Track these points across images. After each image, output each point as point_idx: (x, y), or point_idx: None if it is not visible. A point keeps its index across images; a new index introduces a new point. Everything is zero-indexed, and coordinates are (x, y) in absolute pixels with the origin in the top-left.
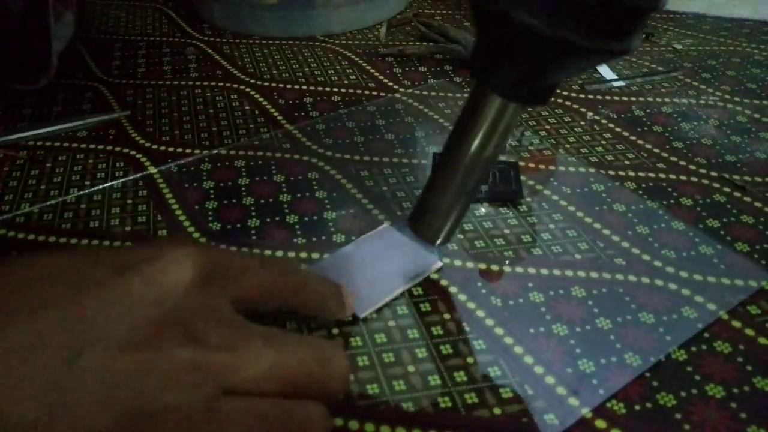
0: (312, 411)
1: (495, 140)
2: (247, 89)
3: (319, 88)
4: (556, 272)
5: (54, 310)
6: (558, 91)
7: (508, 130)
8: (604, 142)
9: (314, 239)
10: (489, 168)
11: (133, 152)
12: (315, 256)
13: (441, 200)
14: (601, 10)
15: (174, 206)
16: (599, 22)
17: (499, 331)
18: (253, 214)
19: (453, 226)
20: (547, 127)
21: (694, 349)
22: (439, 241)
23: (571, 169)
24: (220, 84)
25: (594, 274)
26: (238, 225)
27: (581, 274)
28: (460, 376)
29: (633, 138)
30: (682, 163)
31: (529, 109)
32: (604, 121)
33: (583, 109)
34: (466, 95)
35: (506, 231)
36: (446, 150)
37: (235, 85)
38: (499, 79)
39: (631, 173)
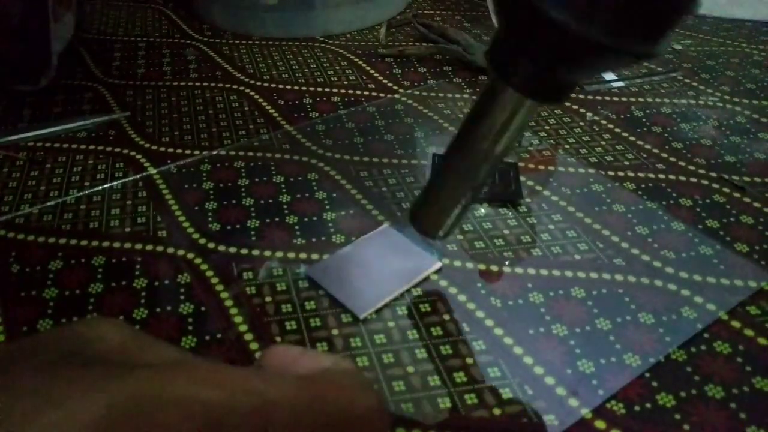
0: None
1: (507, 137)
2: (247, 90)
3: (319, 89)
4: (556, 273)
5: None
6: None
7: (522, 128)
8: (603, 143)
9: (314, 240)
10: (497, 165)
11: (132, 153)
12: (315, 257)
13: (446, 193)
14: (634, 11)
15: (174, 207)
16: (630, 23)
17: (498, 331)
18: (253, 214)
19: (455, 221)
20: (547, 127)
21: (693, 349)
22: (440, 235)
23: (571, 169)
24: (220, 85)
25: (593, 275)
26: (238, 226)
27: (581, 274)
28: (460, 376)
29: (632, 138)
30: (682, 163)
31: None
32: (603, 122)
33: (582, 110)
34: (466, 96)
35: (506, 231)
36: (455, 143)
37: (235, 86)
38: (517, 73)
39: (631, 174)
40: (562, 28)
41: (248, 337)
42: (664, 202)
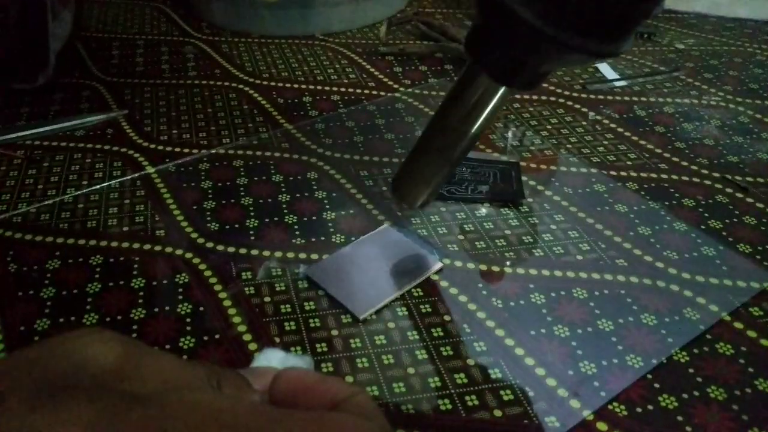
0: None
1: (481, 118)
2: (246, 88)
3: (319, 87)
4: (558, 273)
5: None
6: (559, 90)
7: (495, 111)
8: (605, 143)
9: (313, 240)
10: (473, 144)
11: (130, 152)
12: (314, 256)
13: (424, 166)
14: (596, 13)
15: (172, 206)
16: (593, 23)
17: (499, 332)
18: (252, 214)
19: (432, 192)
20: (549, 127)
21: (696, 350)
22: (417, 204)
23: (573, 169)
24: (219, 83)
25: (596, 275)
26: (237, 225)
27: (583, 275)
28: (461, 378)
29: (635, 138)
30: (684, 163)
31: (530, 109)
32: (605, 121)
33: (584, 109)
34: None
35: (507, 232)
36: (434, 121)
37: (234, 84)
38: (491, 60)
39: (633, 174)
40: (530, 26)
41: (247, 337)
42: (666, 203)
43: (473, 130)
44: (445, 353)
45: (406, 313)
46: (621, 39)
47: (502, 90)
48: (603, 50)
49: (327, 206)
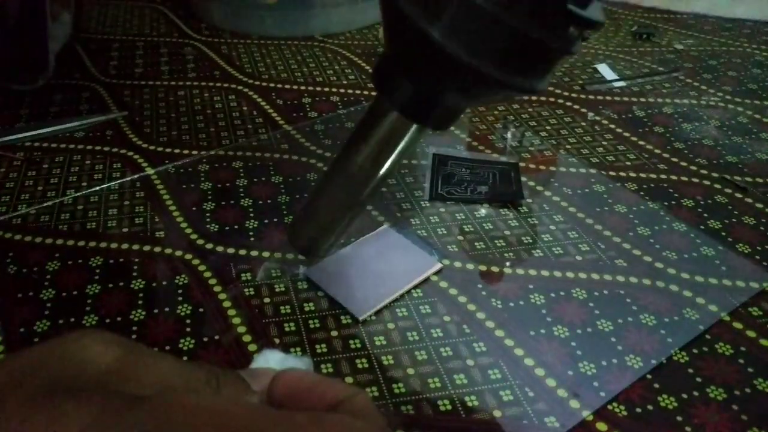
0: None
1: (390, 160)
2: (246, 89)
3: (318, 89)
4: (557, 274)
5: None
6: (558, 91)
7: (405, 150)
8: (605, 143)
9: None
10: (381, 186)
11: (130, 153)
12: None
13: (326, 211)
14: (519, 49)
15: (171, 207)
16: (515, 59)
17: (499, 333)
18: (251, 215)
19: (335, 241)
20: (548, 127)
21: (695, 351)
22: (320, 253)
23: (572, 169)
24: (218, 84)
25: (595, 276)
26: (236, 226)
27: (582, 275)
28: (460, 378)
29: (634, 139)
30: (684, 163)
31: (529, 109)
32: (605, 122)
33: (584, 110)
34: None
35: (507, 232)
36: (336, 163)
37: (233, 86)
38: (401, 93)
39: (633, 174)
40: (455, 58)
41: (246, 338)
42: (665, 203)
43: (379, 173)
44: (444, 354)
45: (406, 313)
46: (545, 75)
47: (412, 127)
48: (528, 87)
49: None
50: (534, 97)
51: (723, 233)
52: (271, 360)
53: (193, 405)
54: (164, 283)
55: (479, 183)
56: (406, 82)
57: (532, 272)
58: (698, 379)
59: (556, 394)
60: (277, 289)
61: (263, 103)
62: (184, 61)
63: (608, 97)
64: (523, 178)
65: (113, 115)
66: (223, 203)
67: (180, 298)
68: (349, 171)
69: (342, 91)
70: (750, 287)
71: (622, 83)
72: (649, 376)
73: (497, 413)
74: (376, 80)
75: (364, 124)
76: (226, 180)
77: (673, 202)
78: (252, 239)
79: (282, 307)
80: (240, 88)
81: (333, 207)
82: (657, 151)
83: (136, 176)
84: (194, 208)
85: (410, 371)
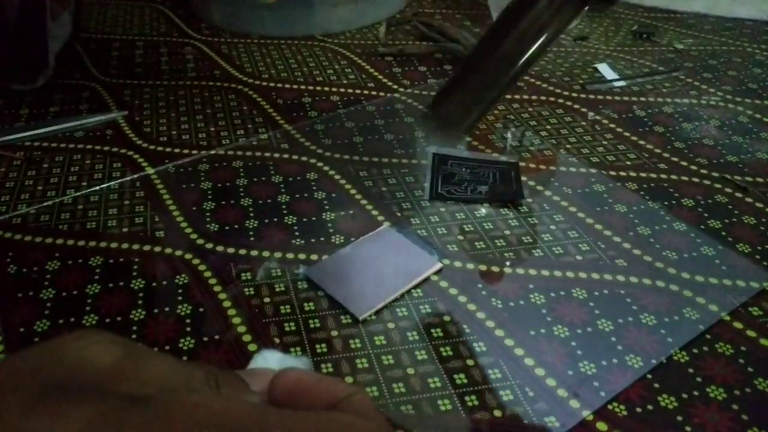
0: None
1: (545, 38)
2: (246, 89)
3: (318, 88)
4: (557, 273)
5: None
6: (558, 91)
7: (557, 33)
8: (605, 143)
9: (313, 240)
10: (527, 69)
11: (130, 153)
12: (314, 257)
13: (472, 87)
14: None
15: (171, 207)
16: None
17: (499, 332)
18: (251, 215)
19: (478, 119)
20: (548, 127)
21: (695, 350)
22: (464, 127)
23: (572, 169)
24: (218, 84)
25: (595, 276)
26: (236, 226)
27: (582, 275)
28: (461, 378)
29: (634, 138)
30: (684, 163)
31: (529, 109)
32: (605, 122)
33: (584, 109)
34: None
35: (507, 232)
36: (486, 38)
37: (233, 85)
38: None
39: (633, 174)
40: None
41: (246, 338)
42: (666, 203)
43: (532, 51)
44: (444, 353)
45: (406, 313)
46: None
47: (568, 6)
48: None
49: (326, 207)
50: (534, 96)
51: (723, 233)
52: (269, 360)
53: (193, 405)
54: (164, 282)
55: (479, 182)
56: None
57: (532, 272)
58: (698, 379)
59: (556, 394)
60: (277, 289)
61: (263, 103)
62: (184, 60)
63: (608, 97)
64: (524, 178)
65: (113, 114)
66: (223, 203)
67: (180, 298)
68: (497, 51)
69: (342, 90)
70: (750, 287)
71: (622, 83)
72: (649, 376)
73: (497, 413)
74: None
75: (516, 5)
76: (226, 180)
77: (673, 202)
78: (252, 239)
79: (282, 307)
80: (240, 87)
81: (484, 83)
82: (657, 150)
83: (136, 176)
84: (194, 208)
85: (410, 371)
